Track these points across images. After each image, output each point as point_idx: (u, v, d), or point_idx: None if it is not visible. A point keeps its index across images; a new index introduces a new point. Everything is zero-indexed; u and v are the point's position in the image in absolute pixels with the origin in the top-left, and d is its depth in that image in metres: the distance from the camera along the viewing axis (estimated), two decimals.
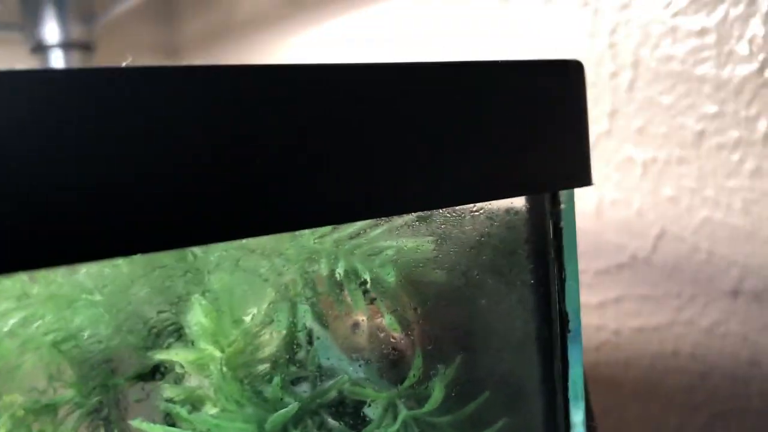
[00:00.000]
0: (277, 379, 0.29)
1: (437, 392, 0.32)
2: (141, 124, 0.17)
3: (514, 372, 0.32)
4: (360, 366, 0.42)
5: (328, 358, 0.38)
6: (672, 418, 0.53)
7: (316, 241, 0.34)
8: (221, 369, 0.31)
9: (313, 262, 0.35)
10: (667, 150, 0.51)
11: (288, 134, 0.20)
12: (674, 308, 0.52)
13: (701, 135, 0.50)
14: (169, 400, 0.33)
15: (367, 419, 0.36)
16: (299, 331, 0.35)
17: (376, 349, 0.38)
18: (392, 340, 0.36)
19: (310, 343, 0.38)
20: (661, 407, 0.54)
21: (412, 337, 0.34)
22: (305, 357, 0.36)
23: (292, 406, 0.29)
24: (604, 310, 0.56)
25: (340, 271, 0.31)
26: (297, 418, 0.32)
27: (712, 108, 0.49)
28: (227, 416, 0.30)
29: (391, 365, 0.36)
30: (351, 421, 0.35)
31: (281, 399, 0.31)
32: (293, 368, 0.36)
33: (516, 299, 0.30)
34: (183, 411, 0.29)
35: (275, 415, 0.28)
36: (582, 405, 0.32)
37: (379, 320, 0.38)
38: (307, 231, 0.34)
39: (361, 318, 0.39)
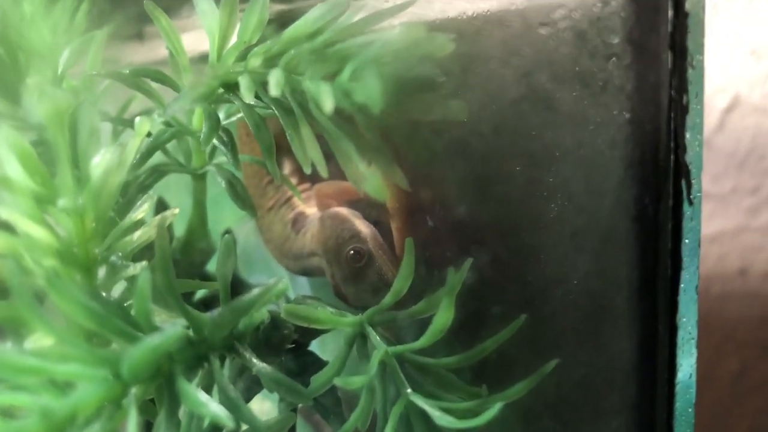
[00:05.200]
0: (144, 278, 0.15)
1: (443, 314, 0.18)
2: None
3: (582, 273, 0.18)
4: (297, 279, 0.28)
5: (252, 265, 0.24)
6: (730, 361, 0.43)
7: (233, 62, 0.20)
8: (50, 264, 0.17)
9: (225, 93, 0.20)
10: None
11: None
12: (746, 209, 0.42)
13: None
14: None
15: (316, 359, 0.22)
16: (199, 209, 0.20)
17: (331, 250, 0.23)
18: (358, 230, 0.22)
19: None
20: (716, 345, 0.44)
21: (397, 221, 0.20)
22: (205, 255, 0.22)
23: (173, 332, 0.15)
24: None
25: (274, 89, 0.17)
26: (193, 355, 0.18)
27: None
28: (57, 352, 0.16)
29: (355, 275, 0.22)
30: (291, 364, 0.21)
31: (151, 323, 0.17)
32: (187, 270, 0.21)
33: (604, 140, 0.16)
34: None
35: (143, 346, 0.15)
36: (694, 342, 0.19)
37: (329, 207, 0.24)
38: (214, 44, 0.20)
39: (303, 205, 0.25)
